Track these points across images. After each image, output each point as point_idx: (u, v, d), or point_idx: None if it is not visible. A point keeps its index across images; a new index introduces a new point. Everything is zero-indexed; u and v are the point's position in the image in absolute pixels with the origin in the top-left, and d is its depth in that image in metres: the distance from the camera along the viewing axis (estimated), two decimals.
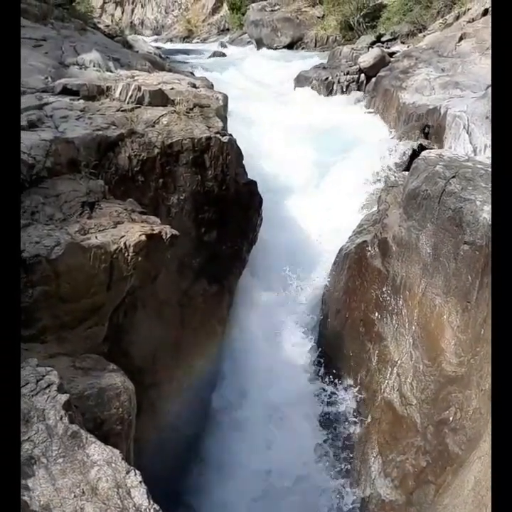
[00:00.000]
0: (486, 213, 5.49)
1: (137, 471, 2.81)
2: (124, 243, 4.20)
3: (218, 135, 6.20)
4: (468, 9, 13.52)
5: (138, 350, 5.57)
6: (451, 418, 5.46)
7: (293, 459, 6.62)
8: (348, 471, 6.44)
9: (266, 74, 16.17)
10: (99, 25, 19.40)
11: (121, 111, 6.06)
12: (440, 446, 5.47)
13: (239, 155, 6.58)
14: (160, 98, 6.50)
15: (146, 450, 5.88)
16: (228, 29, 32.35)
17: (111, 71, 8.69)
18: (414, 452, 5.74)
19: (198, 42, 32.10)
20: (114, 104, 6.19)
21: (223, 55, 21.46)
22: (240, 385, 6.83)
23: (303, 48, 22.44)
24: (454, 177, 6.05)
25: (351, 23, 20.41)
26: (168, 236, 4.53)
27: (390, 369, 6.28)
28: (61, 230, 4.18)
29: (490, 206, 5.50)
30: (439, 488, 5.36)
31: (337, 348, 7.01)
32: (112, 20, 39.69)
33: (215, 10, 35.74)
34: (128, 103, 6.25)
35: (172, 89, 8.00)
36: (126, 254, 4.20)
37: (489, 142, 7.90)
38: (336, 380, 6.83)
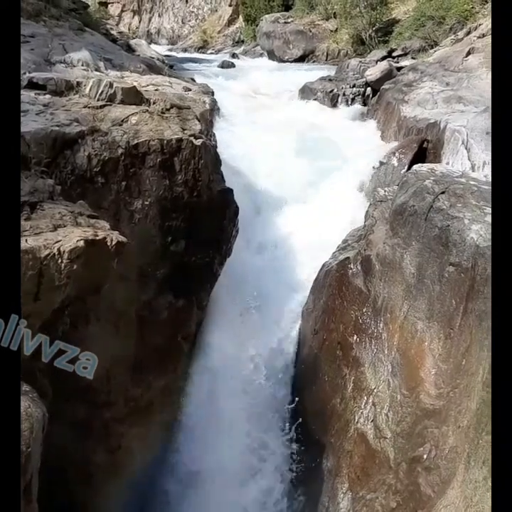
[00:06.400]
0: (473, 233, 5.04)
1: None
2: (58, 249, 3.77)
3: (191, 138, 5.78)
4: (480, 25, 13.11)
5: None
6: (425, 456, 4.97)
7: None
8: (315, 506, 5.95)
9: (272, 84, 15.80)
10: (112, 32, 19.29)
11: (89, 107, 5.67)
12: (412, 486, 4.98)
13: (215, 160, 6.18)
14: (134, 96, 6.11)
15: (97, 475, 5.47)
16: (243, 41, 32.14)
17: (100, 71, 8.36)
18: (385, 491, 5.25)
19: (212, 53, 31.89)
20: (83, 100, 5.82)
21: (232, 65, 21.15)
22: (206, 409, 6.35)
23: (314, 61, 22.12)
24: (443, 193, 5.60)
25: (363, 37, 20.08)
26: (114, 243, 4.10)
27: (365, 398, 5.81)
28: None
29: (478, 225, 5.06)
30: None
31: (313, 371, 6.54)
32: (128, 29, 39.87)
33: (230, 21, 35.61)
34: (98, 100, 5.87)
35: (156, 90, 7.64)
36: (59, 261, 3.77)
37: (488, 159, 7.46)
38: (310, 407, 6.38)
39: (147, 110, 5.95)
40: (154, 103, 6.23)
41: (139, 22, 44.58)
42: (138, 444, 5.74)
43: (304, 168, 9.22)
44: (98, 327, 5.13)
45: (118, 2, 45.19)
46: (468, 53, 11.13)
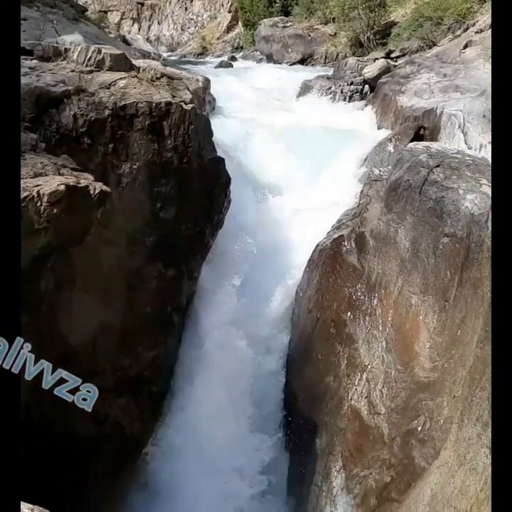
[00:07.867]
0: (468, 202, 4.93)
1: None
2: (38, 192, 3.63)
3: (182, 103, 5.63)
4: (477, 21, 13.07)
5: (75, 332, 4.94)
6: (419, 428, 4.81)
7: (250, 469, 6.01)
8: (309, 486, 5.76)
9: (269, 82, 15.68)
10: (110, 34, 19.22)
11: (77, 72, 5.52)
12: (406, 459, 4.81)
13: (207, 129, 6.02)
14: (123, 63, 5.93)
15: (83, 445, 5.26)
16: (242, 47, 32.12)
17: None
18: (379, 466, 5.07)
19: (211, 58, 31.89)
20: (70, 65, 5.66)
21: (230, 65, 21.13)
22: (195, 384, 6.17)
23: (312, 65, 22.05)
24: (438, 166, 5.49)
25: (361, 40, 20.05)
26: (97, 191, 3.95)
27: (359, 374, 5.64)
28: None
29: (473, 195, 4.95)
30: (402, 506, 4.69)
31: (306, 350, 6.37)
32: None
33: (230, 28, 35.56)
34: (86, 66, 5.71)
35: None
36: (38, 203, 3.62)
37: (485, 142, 7.35)
38: (303, 387, 6.21)
39: (136, 76, 5.79)
40: (144, 71, 6.06)
41: (139, 29, 44.48)
42: (126, 416, 5.55)
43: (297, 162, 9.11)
44: (85, 292, 4.92)
45: (117, 10, 45.19)
46: (466, 46, 11.07)
